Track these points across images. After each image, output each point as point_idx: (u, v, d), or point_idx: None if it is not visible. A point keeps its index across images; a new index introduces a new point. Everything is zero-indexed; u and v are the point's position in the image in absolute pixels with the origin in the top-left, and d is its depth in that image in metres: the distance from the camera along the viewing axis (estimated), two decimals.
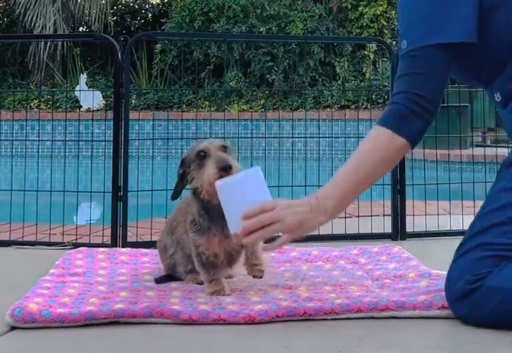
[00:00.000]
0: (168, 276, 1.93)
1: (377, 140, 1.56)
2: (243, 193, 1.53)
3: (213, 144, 1.69)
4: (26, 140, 3.75)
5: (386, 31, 9.13)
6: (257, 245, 1.77)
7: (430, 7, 1.54)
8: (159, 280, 1.91)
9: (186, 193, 1.82)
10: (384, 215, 3.07)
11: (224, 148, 1.70)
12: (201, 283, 1.81)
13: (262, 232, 1.50)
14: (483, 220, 1.53)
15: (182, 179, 1.75)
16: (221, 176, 1.61)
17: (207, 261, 1.75)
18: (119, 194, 2.56)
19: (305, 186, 2.93)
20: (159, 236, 2.02)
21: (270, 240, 1.57)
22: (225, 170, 1.61)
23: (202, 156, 1.67)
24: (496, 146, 3.69)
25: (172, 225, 1.93)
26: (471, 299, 1.46)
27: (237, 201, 1.53)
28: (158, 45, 9.64)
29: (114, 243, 2.52)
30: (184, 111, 8.64)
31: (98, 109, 8.49)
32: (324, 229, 2.72)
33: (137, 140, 6.41)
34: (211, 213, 1.73)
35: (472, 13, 1.52)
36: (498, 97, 1.62)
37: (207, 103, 8.74)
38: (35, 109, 8.95)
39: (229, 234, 1.69)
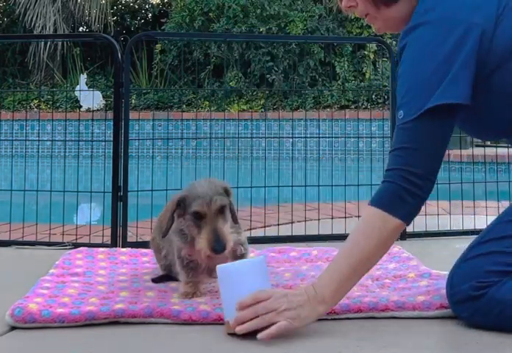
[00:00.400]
0: (166, 276, 1.93)
1: (372, 223, 1.49)
2: (243, 282, 1.47)
3: (211, 207, 1.64)
4: (26, 140, 3.75)
5: None
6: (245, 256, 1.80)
7: (425, 75, 1.48)
8: (156, 280, 1.91)
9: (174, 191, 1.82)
10: None
11: (222, 210, 1.66)
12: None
13: (257, 321, 1.41)
14: (499, 229, 1.52)
15: (172, 220, 1.72)
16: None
17: (187, 265, 1.76)
18: (119, 194, 2.56)
19: (305, 186, 2.93)
20: (151, 234, 2.02)
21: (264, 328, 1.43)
22: (217, 253, 1.61)
23: (198, 216, 1.65)
24: (496, 146, 3.68)
25: (161, 225, 1.92)
26: (474, 305, 1.46)
27: (236, 290, 1.47)
28: (158, 45, 9.64)
29: (114, 243, 2.52)
30: (184, 111, 8.63)
31: (98, 109, 8.48)
32: (324, 229, 2.73)
33: (137, 140, 6.41)
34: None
35: (468, 78, 1.46)
36: None
37: (207, 103, 8.73)
38: (35, 109, 8.95)
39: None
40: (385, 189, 1.51)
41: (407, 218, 1.49)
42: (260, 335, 1.40)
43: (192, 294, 1.72)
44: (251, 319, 1.41)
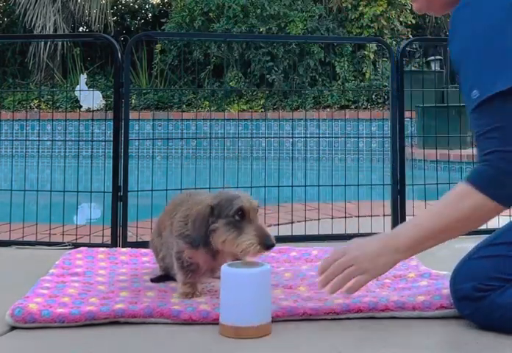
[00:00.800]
0: (164, 276, 1.93)
1: (466, 202, 1.45)
2: (244, 287, 1.47)
3: (252, 205, 1.62)
4: (26, 140, 3.75)
5: (386, 31, 9.12)
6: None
7: (501, 52, 1.42)
8: (155, 280, 1.91)
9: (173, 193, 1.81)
10: (384, 215, 3.07)
11: (258, 209, 1.65)
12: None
13: (337, 281, 1.49)
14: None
15: (207, 226, 1.64)
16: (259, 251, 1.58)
17: (187, 266, 1.73)
18: (119, 194, 2.56)
19: (305, 186, 2.93)
20: (150, 235, 2.02)
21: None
22: (268, 248, 1.58)
23: (240, 215, 1.60)
24: None
25: (160, 227, 1.92)
26: (475, 304, 1.46)
27: (235, 292, 1.47)
28: (158, 45, 9.64)
29: (114, 243, 2.52)
30: (184, 111, 8.63)
31: (98, 109, 8.48)
32: (324, 229, 2.72)
33: (137, 140, 6.41)
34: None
35: None
36: None
37: (207, 103, 8.73)
38: (35, 109, 8.94)
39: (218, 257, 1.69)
40: (485, 171, 1.44)
41: (507, 202, 1.45)
42: (344, 289, 1.50)
43: (191, 294, 1.71)
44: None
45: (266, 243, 1.57)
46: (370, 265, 1.48)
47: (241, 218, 1.60)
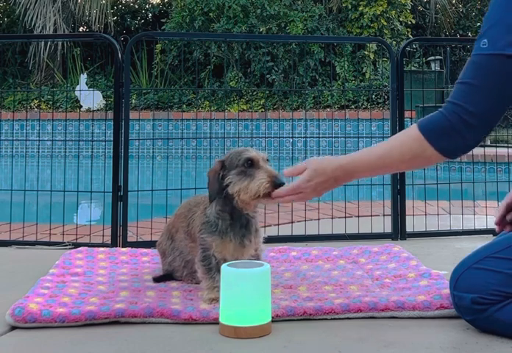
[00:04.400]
0: (167, 276, 1.93)
1: (410, 144, 1.47)
2: (244, 287, 1.48)
3: (260, 155, 1.67)
4: (26, 140, 3.75)
5: (386, 31, 9.13)
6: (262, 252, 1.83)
7: None
8: (157, 279, 1.91)
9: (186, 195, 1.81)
10: (384, 215, 3.08)
11: (267, 161, 1.69)
12: (199, 283, 1.80)
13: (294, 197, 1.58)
14: None
15: (219, 181, 1.69)
16: (269, 191, 1.61)
17: (215, 264, 1.71)
18: (119, 194, 2.56)
19: None
20: (159, 238, 2.02)
21: None
22: (278, 186, 1.60)
23: (249, 164, 1.65)
24: (496, 146, 3.69)
25: (171, 231, 1.92)
26: (476, 313, 1.46)
27: (235, 292, 1.48)
28: (158, 45, 9.64)
29: (114, 243, 2.52)
30: (184, 111, 8.64)
31: (98, 109, 8.49)
32: (324, 229, 2.73)
33: (137, 140, 6.42)
34: (235, 220, 1.71)
35: None
36: None
37: (207, 103, 8.74)
38: (35, 109, 8.95)
39: (246, 244, 1.70)
40: (436, 120, 1.45)
41: (447, 153, 1.45)
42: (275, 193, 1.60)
43: (216, 299, 1.67)
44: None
45: (276, 182, 1.61)
46: (316, 195, 1.59)
47: (251, 166, 1.65)
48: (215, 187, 1.69)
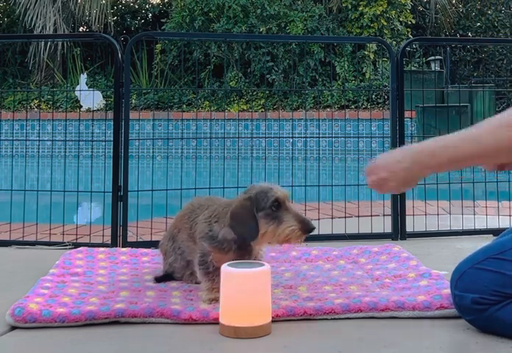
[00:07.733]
0: (169, 276, 1.93)
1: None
2: (244, 287, 1.47)
3: (285, 194, 1.65)
4: (26, 140, 3.75)
5: (386, 31, 9.13)
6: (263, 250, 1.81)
7: None
8: (159, 279, 1.91)
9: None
10: (384, 215, 3.08)
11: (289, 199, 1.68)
12: (199, 283, 1.80)
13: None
14: None
15: (256, 218, 1.64)
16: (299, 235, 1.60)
17: (213, 270, 1.70)
18: (119, 194, 2.56)
19: (305, 186, 2.93)
20: (161, 238, 2.02)
21: None
22: (309, 232, 1.60)
23: (276, 205, 1.63)
24: None
25: (173, 232, 1.92)
26: (476, 313, 1.46)
27: (235, 292, 1.48)
28: (158, 45, 9.64)
29: (114, 243, 2.52)
30: (184, 111, 8.64)
31: (98, 109, 8.49)
32: (324, 229, 2.73)
33: (137, 140, 6.41)
34: (241, 248, 1.69)
35: None
36: None
37: (207, 103, 8.74)
38: (35, 109, 8.95)
39: (245, 258, 1.68)
40: None
41: None
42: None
43: (216, 299, 1.66)
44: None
45: (307, 228, 1.60)
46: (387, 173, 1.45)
47: (277, 208, 1.63)
48: (253, 226, 1.63)
